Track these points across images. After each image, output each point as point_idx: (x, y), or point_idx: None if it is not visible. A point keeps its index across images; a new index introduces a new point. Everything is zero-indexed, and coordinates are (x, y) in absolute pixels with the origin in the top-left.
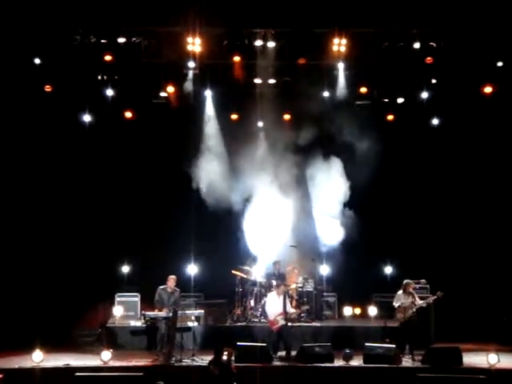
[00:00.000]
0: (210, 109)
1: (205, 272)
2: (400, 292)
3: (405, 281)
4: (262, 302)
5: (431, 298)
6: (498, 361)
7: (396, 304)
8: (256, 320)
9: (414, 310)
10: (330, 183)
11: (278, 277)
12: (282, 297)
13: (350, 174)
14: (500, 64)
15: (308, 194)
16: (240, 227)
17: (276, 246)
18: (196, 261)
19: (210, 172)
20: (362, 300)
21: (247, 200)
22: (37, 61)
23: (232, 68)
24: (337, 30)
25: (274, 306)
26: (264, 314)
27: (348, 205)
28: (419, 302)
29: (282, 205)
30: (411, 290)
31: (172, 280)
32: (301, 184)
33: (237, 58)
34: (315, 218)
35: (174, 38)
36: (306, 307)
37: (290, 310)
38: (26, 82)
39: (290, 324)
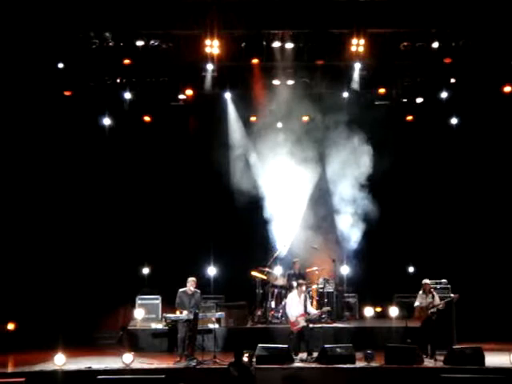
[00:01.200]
0: (231, 110)
1: (225, 274)
2: (421, 292)
3: (423, 280)
4: (283, 303)
5: (446, 300)
6: None
7: (416, 304)
8: (277, 321)
9: (433, 310)
10: (350, 184)
11: (298, 277)
12: (302, 297)
13: (369, 174)
14: None
15: (329, 193)
16: (260, 229)
17: (297, 246)
18: (216, 262)
19: (231, 172)
20: (383, 300)
21: (267, 201)
22: (60, 65)
23: (250, 70)
24: (355, 30)
25: (295, 307)
26: (285, 315)
27: (368, 205)
28: (437, 303)
29: (304, 203)
30: (431, 289)
31: (192, 282)
32: (321, 183)
33: (255, 60)
34: (336, 216)
35: (192, 41)
36: (327, 308)
37: (312, 310)
38: (45, 87)
39: (310, 325)
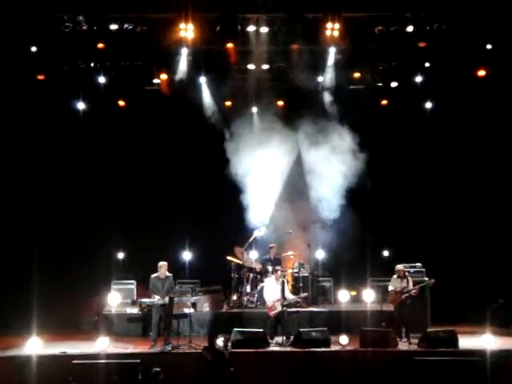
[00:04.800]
0: (206, 94)
1: (200, 258)
2: (395, 276)
3: (397, 266)
4: (258, 287)
5: (421, 285)
6: (494, 343)
7: (390, 288)
8: (252, 306)
9: (407, 294)
10: (326, 168)
11: (274, 262)
12: (279, 282)
13: (344, 159)
14: (489, 47)
15: (304, 178)
16: (235, 213)
17: (272, 231)
18: (192, 247)
19: (206, 157)
20: (358, 284)
21: (243, 185)
22: (33, 49)
23: (225, 54)
24: (329, 14)
25: (272, 292)
26: (260, 299)
27: (344, 189)
28: (411, 287)
29: (280, 188)
30: (405, 274)
31: (164, 267)
32: (297, 167)
33: (230, 44)
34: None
35: (166, 25)
36: (304, 294)
37: (289, 296)
38: (18, 71)
39: (287, 310)
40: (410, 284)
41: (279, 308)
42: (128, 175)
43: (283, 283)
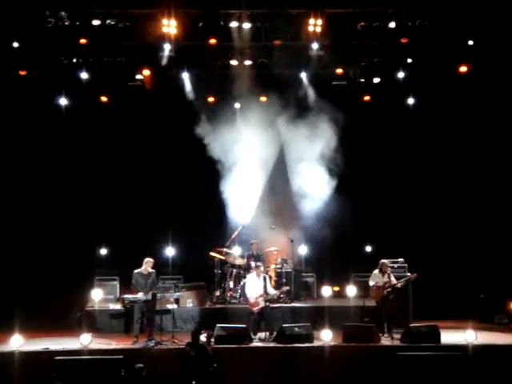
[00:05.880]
0: (188, 90)
1: (183, 254)
2: (376, 271)
3: (381, 260)
4: (241, 283)
5: (405, 279)
6: (476, 338)
7: (371, 283)
8: (235, 301)
9: (389, 289)
10: (308, 162)
11: (256, 258)
12: (261, 278)
13: (327, 154)
14: (471, 43)
15: (287, 174)
16: (218, 209)
17: (255, 227)
18: (174, 243)
19: (189, 152)
20: (341, 280)
21: (226, 181)
22: (15, 44)
23: (208, 50)
24: (312, 10)
25: (254, 287)
26: (244, 295)
27: (326, 185)
28: (394, 282)
29: (262, 183)
30: (387, 269)
31: (149, 263)
32: (279, 163)
33: (213, 40)
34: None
35: (149, 20)
36: (286, 288)
37: (271, 291)
38: None
39: (270, 305)
40: (392, 279)
41: (262, 304)
42: (111, 171)
43: (265, 279)
